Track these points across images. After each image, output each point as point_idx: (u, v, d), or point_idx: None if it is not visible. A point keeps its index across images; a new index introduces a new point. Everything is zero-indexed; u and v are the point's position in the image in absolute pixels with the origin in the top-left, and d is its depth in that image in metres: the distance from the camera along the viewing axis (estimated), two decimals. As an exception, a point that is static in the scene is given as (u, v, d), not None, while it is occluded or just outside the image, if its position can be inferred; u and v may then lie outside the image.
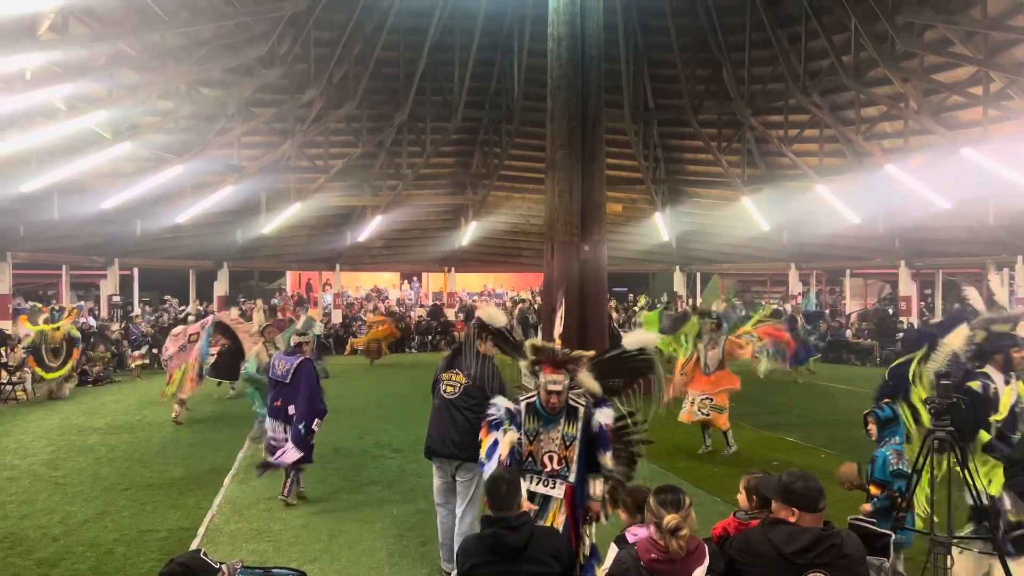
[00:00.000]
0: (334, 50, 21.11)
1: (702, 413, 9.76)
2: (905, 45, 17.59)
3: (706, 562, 3.17)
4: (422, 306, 29.07)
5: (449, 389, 5.59)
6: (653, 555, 3.16)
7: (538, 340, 4.64)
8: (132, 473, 8.77)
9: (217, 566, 2.64)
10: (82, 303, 20.41)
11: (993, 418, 5.30)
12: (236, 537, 6.53)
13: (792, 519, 3.19)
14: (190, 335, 12.06)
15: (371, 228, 26.10)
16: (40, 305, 17.13)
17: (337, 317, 26.48)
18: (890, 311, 24.18)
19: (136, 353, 18.27)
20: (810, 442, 10.36)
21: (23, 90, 14.14)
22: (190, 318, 12.83)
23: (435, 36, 22.48)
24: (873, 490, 5.00)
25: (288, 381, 7.43)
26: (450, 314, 26.85)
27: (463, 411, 5.48)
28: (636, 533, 3.80)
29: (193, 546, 6.27)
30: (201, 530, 6.69)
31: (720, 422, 9.80)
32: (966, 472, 4.33)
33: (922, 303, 24.52)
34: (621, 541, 3.89)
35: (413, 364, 20.28)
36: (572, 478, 4.29)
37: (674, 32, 22.63)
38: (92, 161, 17.59)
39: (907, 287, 22.98)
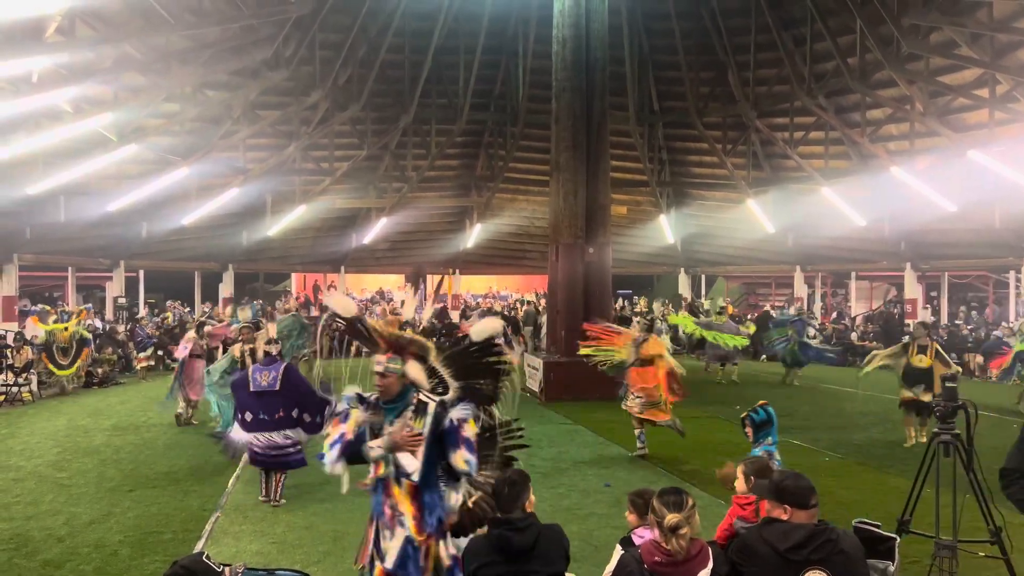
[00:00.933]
0: (339, 53, 21.17)
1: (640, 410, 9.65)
2: (911, 47, 17.56)
3: (710, 565, 3.17)
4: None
5: None
6: (657, 558, 3.16)
7: (381, 323, 4.32)
8: (137, 474, 8.78)
9: (219, 569, 2.64)
10: (89, 304, 20.51)
11: None
12: (240, 538, 6.53)
13: (785, 517, 3.20)
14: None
15: (376, 230, 26.14)
16: (49, 307, 17.29)
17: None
18: (896, 314, 24.11)
19: (142, 355, 18.30)
20: (815, 445, 10.33)
21: (29, 93, 14.20)
22: (210, 322, 12.94)
23: (440, 39, 22.53)
24: None
25: (278, 388, 7.41)
26: (454, 316, 26.82)
27: None
28: (642, 535, 3.79)
29: (198, 547, 6.27)
30: (205, 531, 6.69)
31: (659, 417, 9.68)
32: (972, 475, 4.32)
33: (928, 306, 24.44)
34: (626, 542, 3.88)
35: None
36: (415, 477, 3.75)
37: (679, 34, 22.64)
38: (98, 163, 17.67)
39: (913, 289, 22.92)
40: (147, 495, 7.88)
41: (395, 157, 24.91)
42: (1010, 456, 3.75)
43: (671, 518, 3.17)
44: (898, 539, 3.86)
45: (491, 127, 25.85)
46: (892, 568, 3.63)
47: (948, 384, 4.46)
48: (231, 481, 8.42)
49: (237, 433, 7.56)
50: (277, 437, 7.40)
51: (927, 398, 9.93)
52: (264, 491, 7.64)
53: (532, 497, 3.65)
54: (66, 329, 15.03)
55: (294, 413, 7.42)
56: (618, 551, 3.79)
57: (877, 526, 3.94)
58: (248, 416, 7.44)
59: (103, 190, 18.71)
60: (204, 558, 2.66)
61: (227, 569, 2.66)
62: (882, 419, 12.47)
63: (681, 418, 12.51)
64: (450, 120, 24.46)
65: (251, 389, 7.47)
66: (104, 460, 9.48)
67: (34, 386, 14.93)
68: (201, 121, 19.67)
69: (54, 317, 15.45)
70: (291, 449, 7.47)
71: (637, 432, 9.69)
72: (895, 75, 18.39)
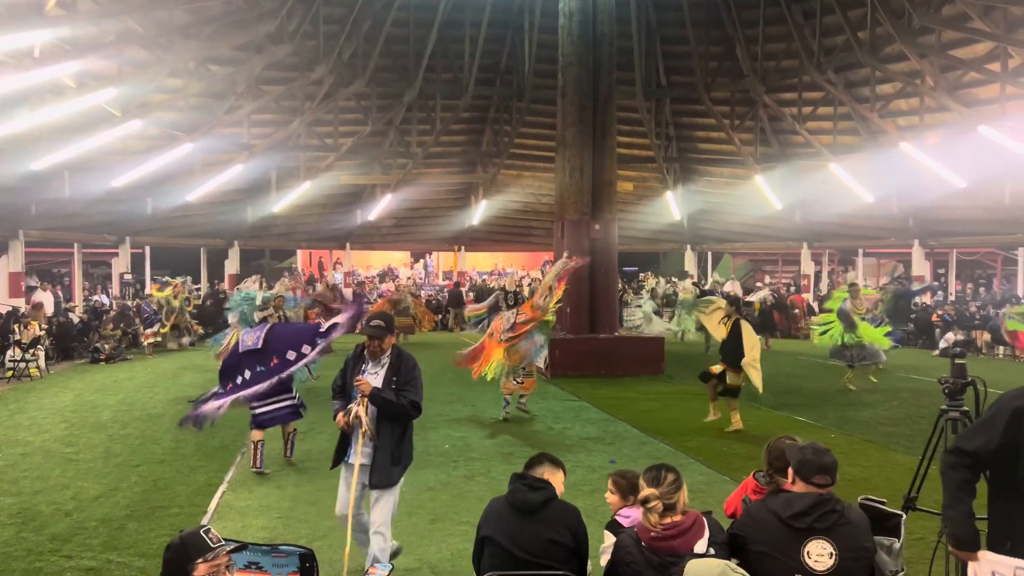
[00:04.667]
0: (343, 27, 20.99)
1: (516, 382, 10.45)
2: (922, 20, 17.32)
3: (706, 534, 3.18)
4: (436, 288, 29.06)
5: None
6: (652, 533, 3.16)
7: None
8: (143, 450, 8.82)
9: (214, 546, 2.60)
10: (187, 278, 21.96)
11: None
12: (246, 513, 6.56)
13: (793, 488, 3.22)
14: None
15: (381, 207, 26.06)
16: (167, 278, 20.36)
17: (347, 296, 26.48)
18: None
19: (148, 331, 18.35)
20: (821, 422, 10.31)
21: (32, 67, 14.11)
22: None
23: (445, 12, 22.31)
24: None
25: (261, 346, 7.38)
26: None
27: None
28: (628, 515, 3.78)
29: (203, 522, 6.30)
30: (211, 506, 6.72)
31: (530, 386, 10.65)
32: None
33: (935, 283, 24.32)
34: (613, 526, 3.86)
35: (422, 343, 20.33)
36: None
37: (687, 8, 22.36)
38: (102, 139, 17.60)
39: (921, 267, 22.80)
40: (154, 470, 7.92)
41: (400, 133, 24.78)
42: (967, 435, 3.41)
43: (643, 492, 3.22)
44: (904, 516, 3.84)
45: (497, 102, 25.66)
46: (898, 545, 3.61)
47: (957, 361, 4.41)
48: (237, 456, 8.47)
49: (210, 404, 7.53)
50: (275, 383, 7.36)
51: (715, 369, 10.02)
52: (258, 462, 7.76)
53: (562, 488, 3.75)
54: (176, 297, 17.72)
55: (288, 355, 7.51)
56: (608, 537, 3.76)
57: (883, 503, 3.92)
58: (247, 374, 7.46)
59: (108, 166, 18.66)
60: (203, 532, 2.64)
61: (221, 548, 2.62)
62: (889, 396, 12.44)
63: (687, 394, 12.56)
64: (455, 95, 24.28)
65: (240, 350, 7.60)
66: (111, 435, 9.53)
67: (41, 362, 15.00)
68: (205, 96, 19.57)
69: (170, 288, 18.38)
70: (293, 399, 7.92)
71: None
72: (906, 49, 18.15)
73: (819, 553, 3.05)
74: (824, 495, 3.15)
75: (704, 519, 3.24)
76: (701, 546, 3.14)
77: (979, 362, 15.39)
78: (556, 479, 3.73)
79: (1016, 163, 17.44)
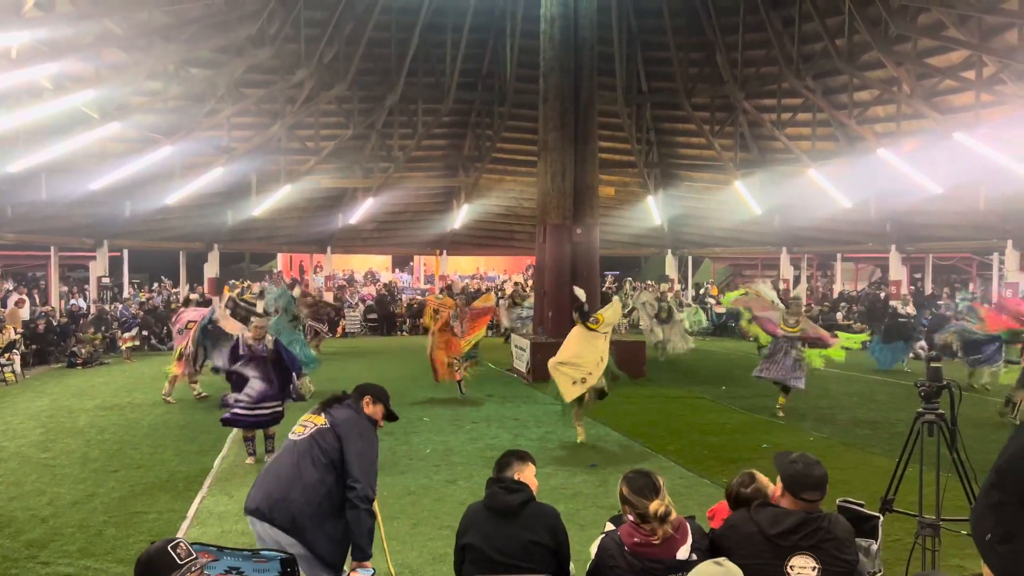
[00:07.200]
0: (325, 30, 20.91)
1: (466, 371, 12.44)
2: (899, 28, 17.55)
3: (689, 540, 3.16)
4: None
5: (299, 430, 4.15)
6: (636, 539, 3.15)
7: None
8: (122, 455, 8.74)
9: (182, 561, 2.53)
10: (264, 281, 22.58)
11: None
12: (225, 518, 6.51)
13: (782, 501, 3.19)
14: (187, 322, 12.16)
15: (362, 210, 25.97)
16: (237, 282, 21.73)
17: (328, 299, 26.35)
18: (880, 295, 24.26)
19: (126, 335, 18.18)
20: (799, 425, 10.40)
21: (9, 68, 13.96)
22: (193, 296, 13.70)
23: (427, 16, 22.29)
24: None
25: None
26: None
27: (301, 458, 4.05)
28: None
29: (183, 528, 6.26)
30: (191, 511, 6.66)
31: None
32: (955, 454, 4.35)
33: (912, 287, 24.61)
34: (617, 520, 3.85)
35: (402, 348, 20.29)
36: None
37: (667, 14, 22.50)
38: (80, 141, 17.40)
39: (898, 271, 23.06)
40: (132, 475, 7.85)
41: (381, 136, 24.71)
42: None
43: (656, 506, 3.14)
44: (881, 518, 3.89)
45: (478, 106, 25.65)
46: (876, 547, 3.66)
47: (933, 364, 4.48)
48: (216, 460, 8.41)
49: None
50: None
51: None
52: (256, 451, 8.38)
53: (535, 481, 3.72)
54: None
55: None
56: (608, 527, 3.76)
57: (861, 505, 3.97)
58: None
59: (85, 168, 18.44)
60: (170, 548, 2.57)
61: (191, 562, 2.55)
62: (866, 399, 12.58)
63: (667, 398, 12.66)
64: (437, 99, 24.26)
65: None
66: (88, 440, 9.43)
67: (16, 366, 14.81)
68: (184, 99, 19.40)
69: (239, 290, 18.99)
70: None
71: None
72: (883, 56, 18.38)
73: (802, 567, 3.04)
74: (812, 514, 3.12)
75: (687, 525, 3.23)
76: (684, 552, 3.12)
77: (952, 366, 15.57)
78: (527, 473, 3.70)
79: (991, 169, 17.68)
